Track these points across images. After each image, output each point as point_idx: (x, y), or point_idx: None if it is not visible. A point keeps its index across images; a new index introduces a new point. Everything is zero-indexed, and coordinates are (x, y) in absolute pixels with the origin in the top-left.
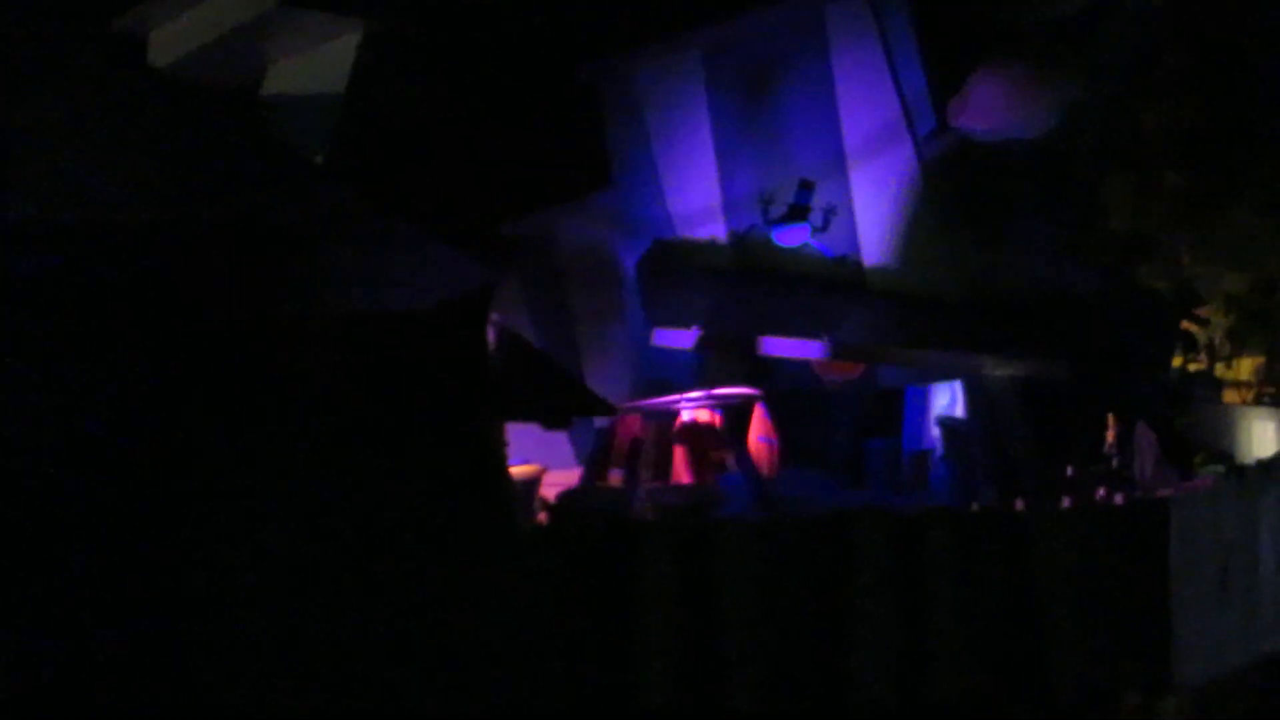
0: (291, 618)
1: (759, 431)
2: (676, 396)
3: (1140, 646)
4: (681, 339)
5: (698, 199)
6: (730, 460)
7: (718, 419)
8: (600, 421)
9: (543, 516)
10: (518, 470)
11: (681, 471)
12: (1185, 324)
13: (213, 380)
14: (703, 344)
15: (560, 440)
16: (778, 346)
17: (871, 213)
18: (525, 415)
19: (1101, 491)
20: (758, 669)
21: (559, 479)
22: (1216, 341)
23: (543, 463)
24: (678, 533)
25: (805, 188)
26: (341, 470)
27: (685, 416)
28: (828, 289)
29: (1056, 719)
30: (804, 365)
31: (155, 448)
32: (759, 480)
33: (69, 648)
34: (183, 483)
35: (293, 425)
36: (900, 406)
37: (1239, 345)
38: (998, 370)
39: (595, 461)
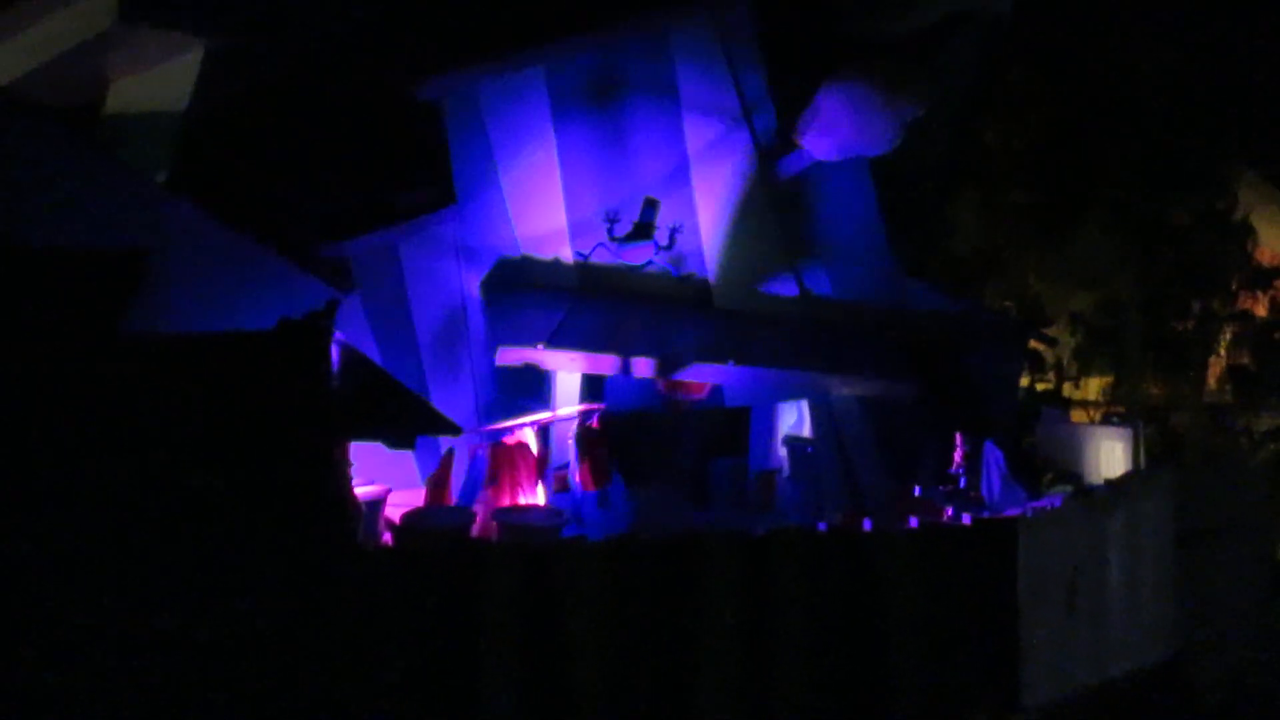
0: (122, 638)
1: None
2: (522, 418)
3: (988, 667)
4: (526, 358)
5: (543, 217)
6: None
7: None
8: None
9: (387, 537)
10: (362, 490)
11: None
12: (1033, 343)
13: (47, 399)
14: (547, 363)
15: (405, 460)
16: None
17: (716, 231)
18: (369, 435)
19: (949, 511)
20: (604, 690)
21: (405, 499)
22: (1064, 361)
23: (388, 483)
24: (523, 553)
25: (650, 205)
26: (181, 488)
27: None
28: (672, 307)
29: None
30: (649, 383)
31: None
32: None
33: None
34: (13, 498)
35: (133, 443)
36: (747, 425)
37: (1086, 365)
38: (844, 389)
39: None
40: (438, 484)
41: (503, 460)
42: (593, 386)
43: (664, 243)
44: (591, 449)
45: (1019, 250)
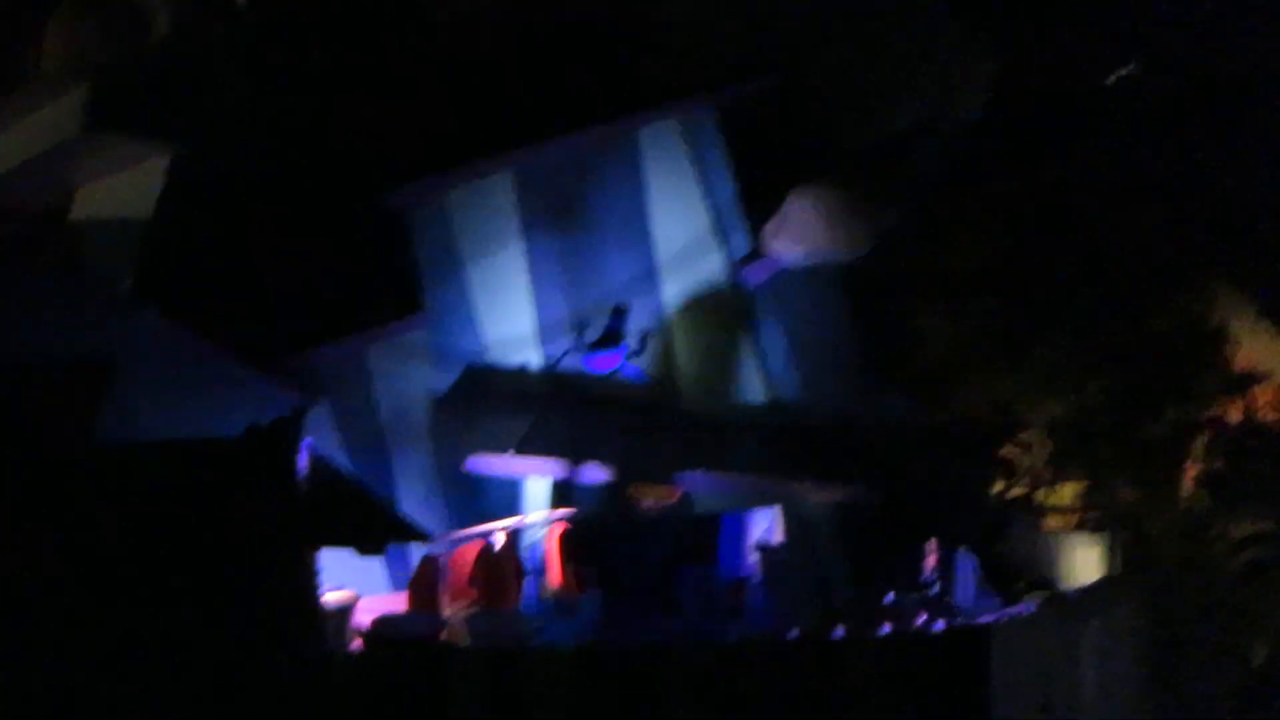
0: None
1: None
2: (491, 525)
3: None
4: (495, 465)
5: (511, 322)
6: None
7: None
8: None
9: (356, 644)
10: (331, 597)
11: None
12: (1006, 450)
13: (20, 514)
14: (517, 469)
15: (375, 566)
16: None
17: (686, 336)
18: (338, 541)
19: (922, 618)
20: None
21: (374, 605)
22: (1038, 467)
23: (357, 589)
24: (492, 660)
25: (619, 313)
26: (149, 598)
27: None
28: (642, 414)
29: None
30: (617, 490)
31: None
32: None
33: None
34: None
35: (104, 554)
36: (717, 533)
37: (1061, 470)
38: (815, 496)
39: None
40: (422, 590)
41: (482, 566)
42: (561, 493)
43: (633, 349)
44: (573, 556)
45: (990, 356)
